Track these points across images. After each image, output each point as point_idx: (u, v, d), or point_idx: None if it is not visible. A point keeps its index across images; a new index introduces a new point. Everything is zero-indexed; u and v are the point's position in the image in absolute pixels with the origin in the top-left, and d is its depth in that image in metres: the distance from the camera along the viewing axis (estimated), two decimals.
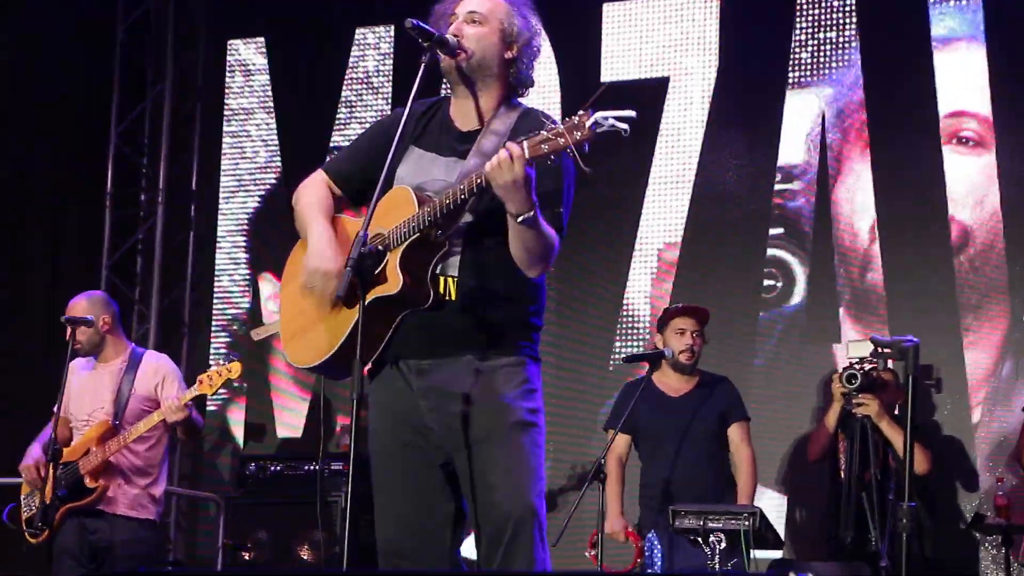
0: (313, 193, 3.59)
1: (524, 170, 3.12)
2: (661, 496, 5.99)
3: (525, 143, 3.11)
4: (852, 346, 5.95)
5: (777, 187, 7.27)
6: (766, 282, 7.22)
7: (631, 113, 3.00)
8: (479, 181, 3.22)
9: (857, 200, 7.12)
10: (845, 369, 5.80)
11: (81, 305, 6.06)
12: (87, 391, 6.04)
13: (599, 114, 3.00)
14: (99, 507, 5.88)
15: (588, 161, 3.10)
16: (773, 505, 6.74)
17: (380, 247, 3.30)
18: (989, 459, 6.68)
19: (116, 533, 5.90)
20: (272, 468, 7.00)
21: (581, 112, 3.05)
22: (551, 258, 3.36)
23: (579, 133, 3.02)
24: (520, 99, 3.56)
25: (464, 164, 3.41)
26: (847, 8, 7.26)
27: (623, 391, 6.25)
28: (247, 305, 8.29)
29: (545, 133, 3.08)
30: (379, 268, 3.31)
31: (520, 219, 3.20)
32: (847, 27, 7.25)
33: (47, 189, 8.45)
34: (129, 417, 5.93)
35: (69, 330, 5.96)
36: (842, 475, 5.93)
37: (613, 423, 6.13)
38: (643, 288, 7.43)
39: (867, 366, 5.81)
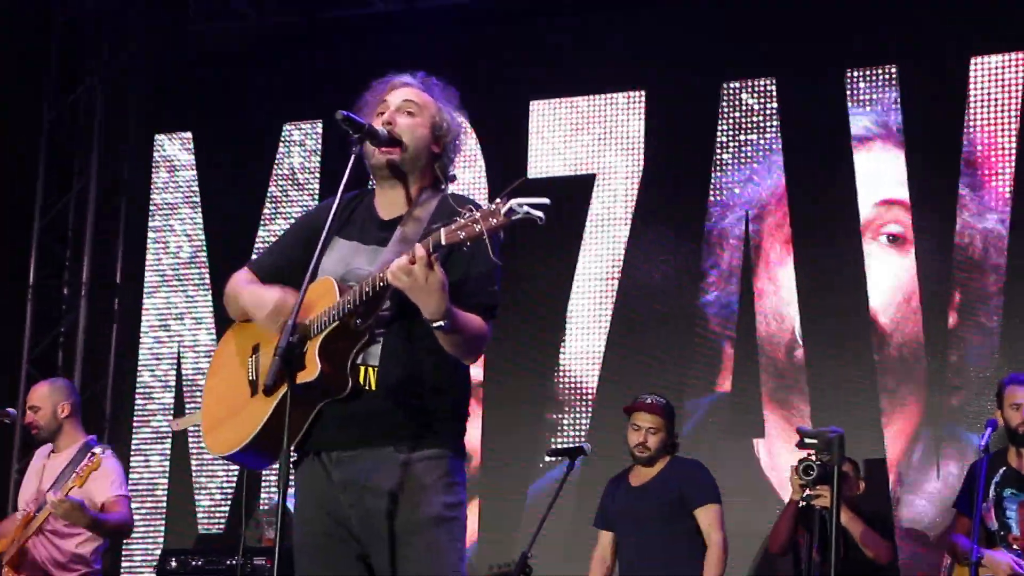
0: (244, 278, 3.57)
1: (427, 272, 3.08)
2: None
3: (442, 230, 3.08)
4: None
5: (703, 284, 7.35)
6: (690, 377, 7.27)
7: (545, 201, 3.00)
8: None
9: (780, 296, 7.21)
10: (801, 461, 5.60)
11: (39, 391, 6.05)
12: (32, 479, 6.01)
13: (514, 201, 2.99)
14: None
15: (499, 253, 3.14)
16: None
17: (301, 335, 3.26)
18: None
19: None
20: (193, 563, 6.88)
21: (498, 200, 3.05)
22: (481, 347, 3.34)
23: (495, 220, 3.01)
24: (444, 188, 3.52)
25: (385, 252, 3.37)
26: (768, 111, 7.40)
27: (606, 487, 6.24)
28: (170, 400, 8.20)
29: (461, 220, 3.06)
30: (300, 357, 3.27)
31: (434, 325, 3.17)
32: (768, 129, 7.39)
33: None
34: None
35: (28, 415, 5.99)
36: (803, 567, 5.89)
37: (596, 521, 6.19)
38: (571, 382, 7.45)
39: (824, 457, 5.71)
